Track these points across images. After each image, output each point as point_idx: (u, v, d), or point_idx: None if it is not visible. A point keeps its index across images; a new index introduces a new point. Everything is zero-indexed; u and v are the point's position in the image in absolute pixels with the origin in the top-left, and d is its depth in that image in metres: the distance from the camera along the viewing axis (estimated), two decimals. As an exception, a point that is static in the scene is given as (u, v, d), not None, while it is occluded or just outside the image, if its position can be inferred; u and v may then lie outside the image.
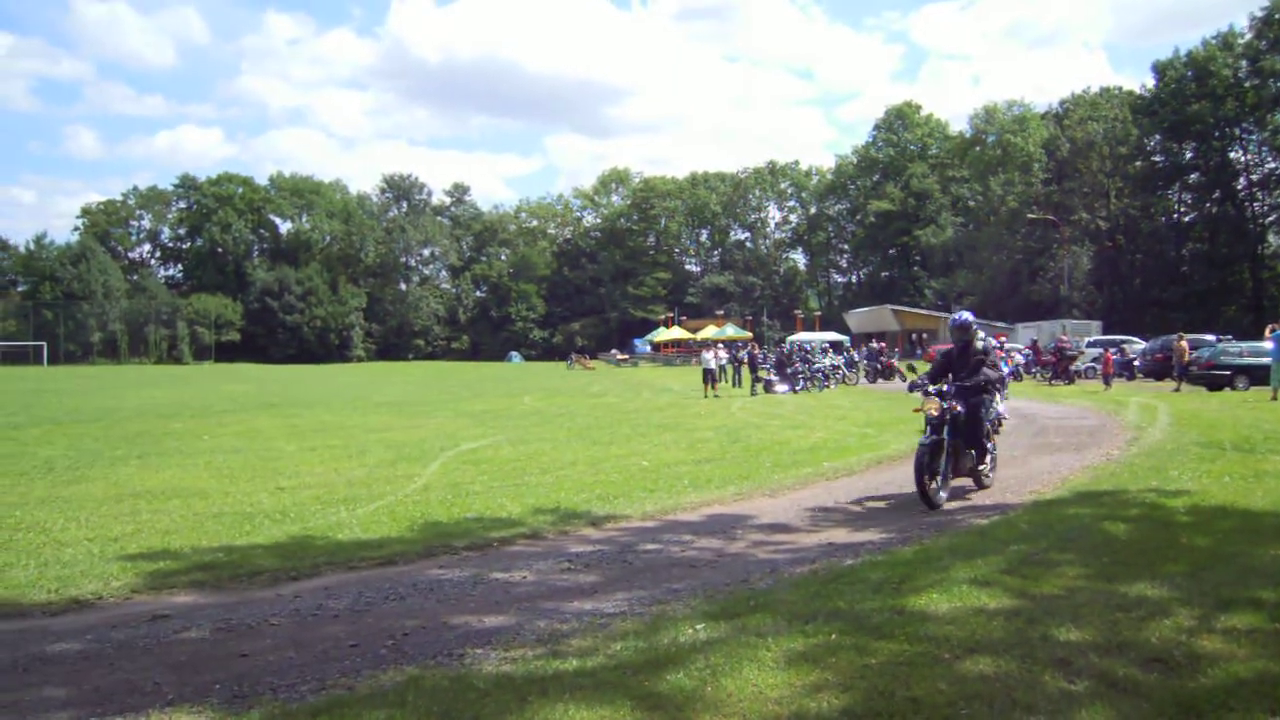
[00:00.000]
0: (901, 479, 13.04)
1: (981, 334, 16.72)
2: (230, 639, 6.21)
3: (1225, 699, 4.45)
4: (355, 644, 6.01)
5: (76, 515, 10.68)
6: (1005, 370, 15.30)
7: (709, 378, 34.58)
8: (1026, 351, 42.18)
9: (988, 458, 11.59)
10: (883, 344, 53.33)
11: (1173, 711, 4.34)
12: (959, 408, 10.97)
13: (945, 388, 11.24)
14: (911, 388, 11.54)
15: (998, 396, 12.18)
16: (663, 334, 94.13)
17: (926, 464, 10.58)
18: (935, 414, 10.75)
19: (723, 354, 44.23)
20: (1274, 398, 24.65)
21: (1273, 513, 9.20)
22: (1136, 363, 40.52)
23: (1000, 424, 12.64)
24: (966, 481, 11.87)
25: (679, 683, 4.83)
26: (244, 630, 6.41)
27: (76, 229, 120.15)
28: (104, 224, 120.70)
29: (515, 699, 4.72)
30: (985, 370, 11.30)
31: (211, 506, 11.25)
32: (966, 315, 11.96)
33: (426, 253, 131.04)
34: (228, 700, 5.04)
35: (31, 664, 5.76)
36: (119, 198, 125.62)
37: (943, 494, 10.74)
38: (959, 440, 11.02)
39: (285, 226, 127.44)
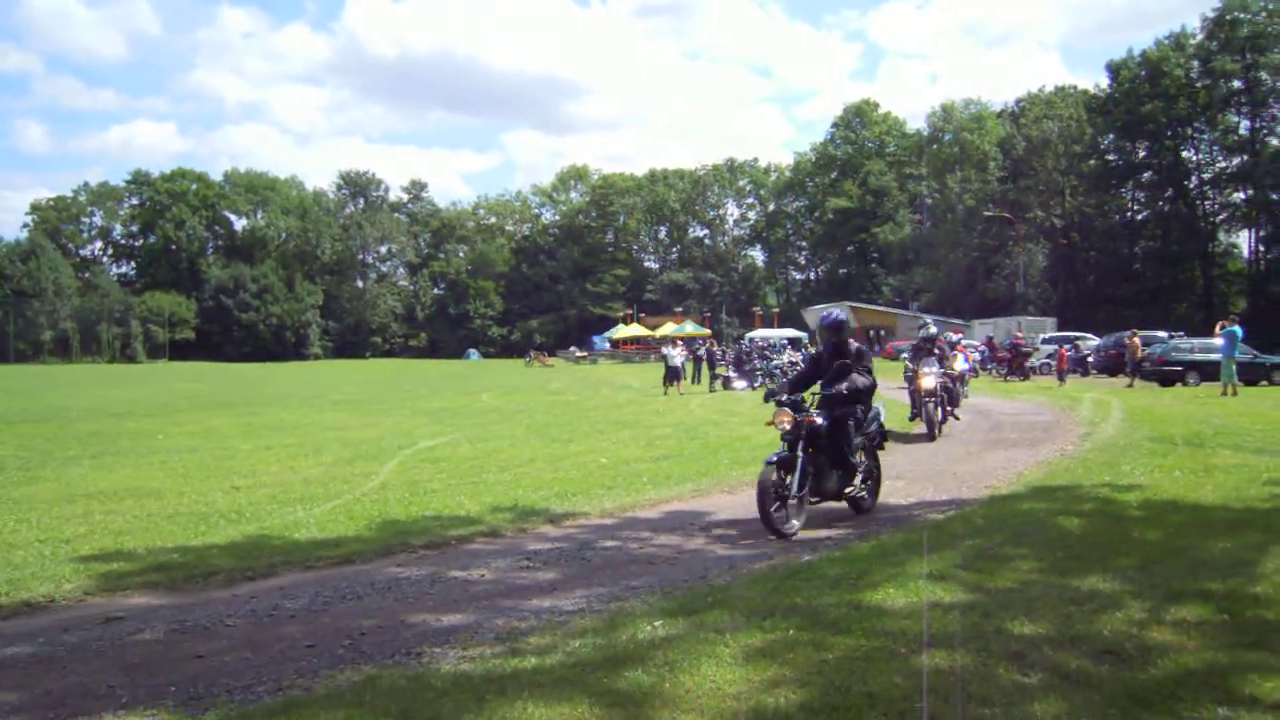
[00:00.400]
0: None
1: (934, 329, 17.84)
2: (185, 640, 6.15)
3: (1175, 690, 4.51)
4: (312, 644, 5.97)
5: (27, 516, 10.53)
6: (966, 366, 16.10)
7: (673, 375, 34.39)
8: (982, 348, 42.56)
9: (858, 478, 10.02)
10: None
11: (1124, 703, 4.40)
12: (819, 420, 9.55)
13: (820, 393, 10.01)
14: (767, 397, 10.14)
15: (879, 406, 10.72)
16: (621, 331, 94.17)
17: (772, 486, 9.05)
18: (788, 427, 9.46)
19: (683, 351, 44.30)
20: (1224, 393, 25.04)
21: (1222, 506, 9.34)
22: (1090, 359, 41.02)
23: (883, 442, 10.90)
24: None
25: (637, 679, 4.84)
26: (199, 631, 6.35)
27: (25, 225, 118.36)
28: (54, 220, 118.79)
29: (473, 698, 4.71)
30: (854, 377, 9.92)
31: (166, 507, 11.13)
32: (839, 313, 10.92)
33: (384, 250, 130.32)
34: (183, 702, 5.00)
35: (-19, 667, 5.68)
36: (70, 194, 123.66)
37: (795, 521, 9.19)
38: (822, 458, 9.64)
39: (240, 223, 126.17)
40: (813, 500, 9.72)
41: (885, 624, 5.57)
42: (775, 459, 9.26)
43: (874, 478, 10.46)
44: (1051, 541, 7.84)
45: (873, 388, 10.27)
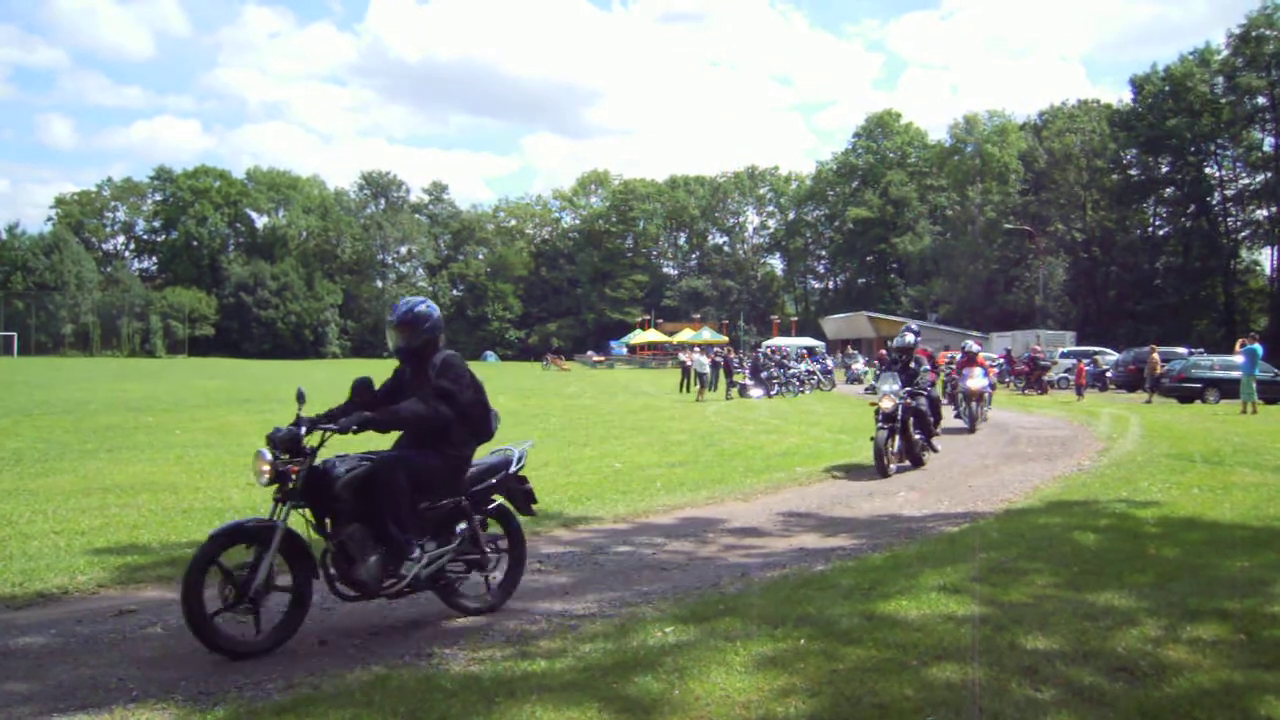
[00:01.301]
0: (874, 485, 13.09)
1: (912, 337, 15.62)
2: (197, 635, 6.15)
3: (1190, 709, 4.47)
4: (322, 642, 5.98)
5: (44, 508, 10.57)
6: (985, 383, 16.12)
7: (701, 382, 34.06)
8: (1000, 361, 42.38)
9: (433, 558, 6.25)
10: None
11: (1137, 721, 4.36)
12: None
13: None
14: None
15: (516, 452, 7.03)
16: (639, 336, 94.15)
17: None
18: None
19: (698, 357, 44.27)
20: (1244, 411, 24.88)
21: (1240, 525, 9.27)
22: (1109, 374, 40.80)
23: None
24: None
25: (647, 685, 4.83)
26: (211, 627, 6.34)
27: (50, 219, 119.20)
28: (78, 215, 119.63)
29: (482, 700, 4.70)
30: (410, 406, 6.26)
31: (181, 501, 11.16)
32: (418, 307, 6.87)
33: (404, 250, 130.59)
34: (193, 697, 5.00)
35: (-6, 657, 5.70)
36: (93, 188, 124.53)
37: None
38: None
39: (262, 221, 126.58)
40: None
41: (897, 635, 5.54)
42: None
43: (498, 564, 6.81)
44: (1067, 556, 7.79)
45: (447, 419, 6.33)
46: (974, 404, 20.97)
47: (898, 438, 14.46)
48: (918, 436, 14.87)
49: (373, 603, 6.42)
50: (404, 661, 5.51)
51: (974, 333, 65.63)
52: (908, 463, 14.67)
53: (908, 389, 14.73)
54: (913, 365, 15.38)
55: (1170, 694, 4.67)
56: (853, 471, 14.58)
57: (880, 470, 13.82)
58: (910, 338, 15.77)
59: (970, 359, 22.06)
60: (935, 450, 15.63)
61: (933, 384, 16.35)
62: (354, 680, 5.15)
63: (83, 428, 20.09)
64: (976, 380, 21.19)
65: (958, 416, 21.33)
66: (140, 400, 29.28)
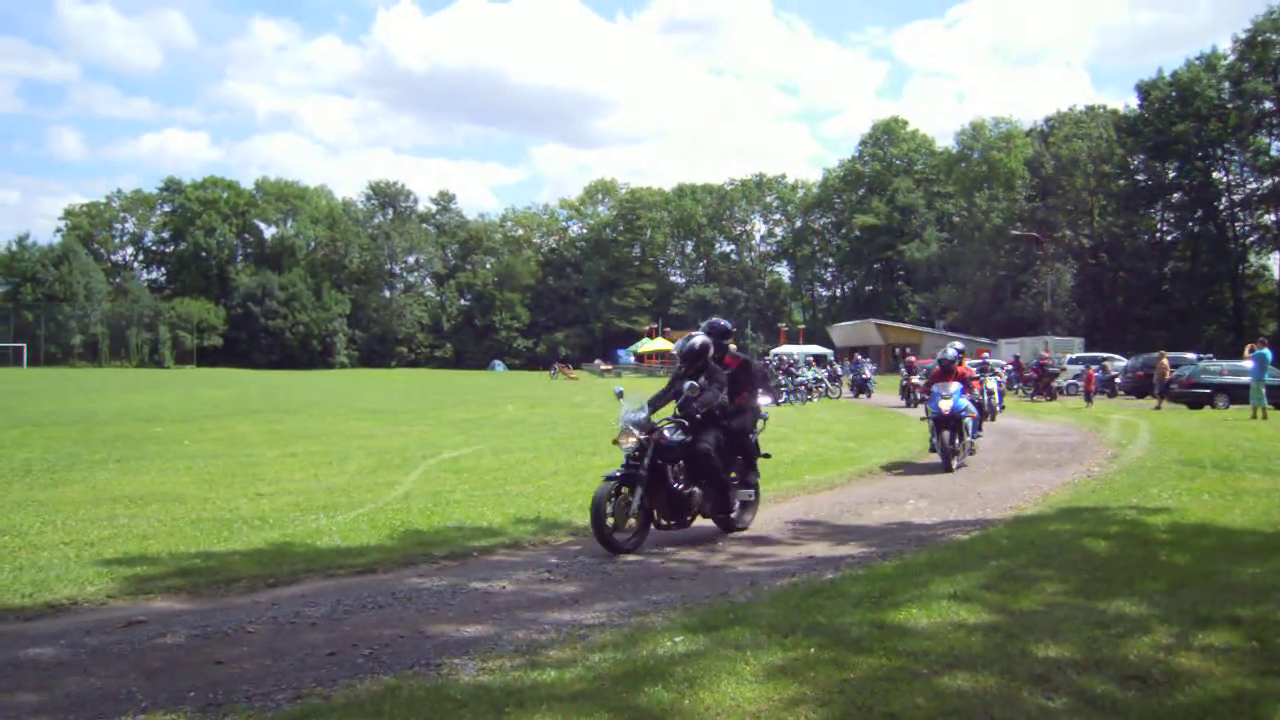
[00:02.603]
0: (883, 493, 13.07)
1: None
2: (206, 646, 6.16)
3: (1202, 717, 4.45)
4: (332, 652, 5.97)
5: (53, 519, 10.59)
6: (963, 402, 16.11)
7: None
8: (1009, 367, 42.30)
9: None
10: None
11: (1150, 729, 4.34)
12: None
13: None
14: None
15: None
16: (646, 345, 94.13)
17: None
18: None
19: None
20: (1254, 416, 24.80)
21: (1252, 531, 9.23)
22: (1118, 380, 40.73)
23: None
24: None
25: (657, 695, 4.81)
26: (220, 637, 6.35)
27: (59, 230, 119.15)
28: (87, 226, 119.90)
29: (492, 710, 4.69)
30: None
31: (190, 512, 11.17)
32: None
33: (411, 260, 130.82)
34: (202, 708, 5.00)
35: (4, 669, 5.70)
36: (103, 200, 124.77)
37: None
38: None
39: (270, 231, 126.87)
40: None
41: (908, 644, 5.52)
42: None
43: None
44: (1077, 563, 7.76)
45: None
46: (947, 434, 15.76)
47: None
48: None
49: (393, 611, 6.43)
50: (413, 671, 5.50)
51: (982, 339, 65.55)
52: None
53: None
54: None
55: (1182, 702, 4.64)
56: (862, 479, 14.57)
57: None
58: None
59: (946, 370, 17.00)
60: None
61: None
62: (363, 690, 5.14)
63: (92, 438, 20.14)
64: (948, 400, 15.97)
65: (933, 450, 16.48)
66: (149, 411, 29.34)
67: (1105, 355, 48.29)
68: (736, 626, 6.01)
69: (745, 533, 10.25)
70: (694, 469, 9.57)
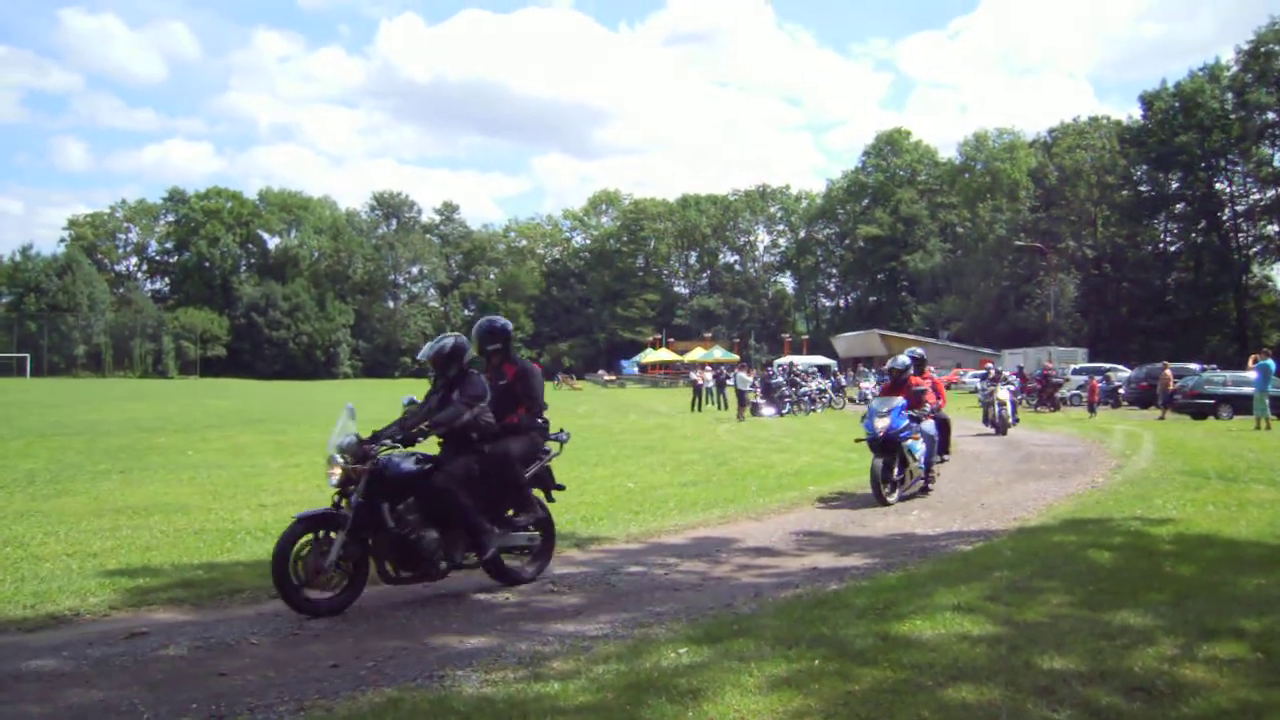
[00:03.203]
0: (889, 504, 13.03)
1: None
2: (208, 657, 6.15)
3: (1208, 730, 4.43)
4: (335, 664, 5.96)
5: (56, 530, 10.59)
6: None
7: (741, 400, 33.37)
8: (1012, 378, 42.24)
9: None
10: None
11: (1156, 742, 4.32)
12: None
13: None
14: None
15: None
16: (650, 355, 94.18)
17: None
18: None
19: (710, 376, 44.11)
20: (1258, 427, 24.76)
21: (1256, 542, 9.21)
22: (1122, 390, 40.68)
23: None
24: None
25: (661, 707, 4.80)
26: (223, 649, 6.35)
27: (63, 241, 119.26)
28: (90, 236, 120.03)
29: (495, 722, 4.68)
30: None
31: (193, 523, 11.16)
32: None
33: (415, 270, 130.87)
34: (204, 720, 5.00)
35: (6, 681, 5.69)
36: (106, 210, 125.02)
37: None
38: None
39: (273, 242, 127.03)
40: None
41: (912, 656, 5.51)
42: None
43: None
44: (1082, 575, 7.74)
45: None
46: (879, 461, 13.14)
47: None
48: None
49: (396, 623, 6.43)
50: (416, 683, 5.49)
51: (985, 350, 65.53)
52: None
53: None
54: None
55: (1187, 714, 4.63)
56: (865, 490, 14.54)
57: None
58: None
59: (896, 382, 14.28)
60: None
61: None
62: (366, 702, 5.13)
63: (95, 449, 20.15)
64: (884, 419, 13.32)
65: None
66: (152, 421, 29.36)
67: (1109, 366, 48.22)
68: (740, 638, 5.99)
69: (748, 544, 10.22)
70: (430, 507, 7.62)
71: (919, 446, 13.61)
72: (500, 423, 8.18)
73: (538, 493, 8.64)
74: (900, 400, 13.59)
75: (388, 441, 7.61)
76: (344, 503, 7.34)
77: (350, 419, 7.62)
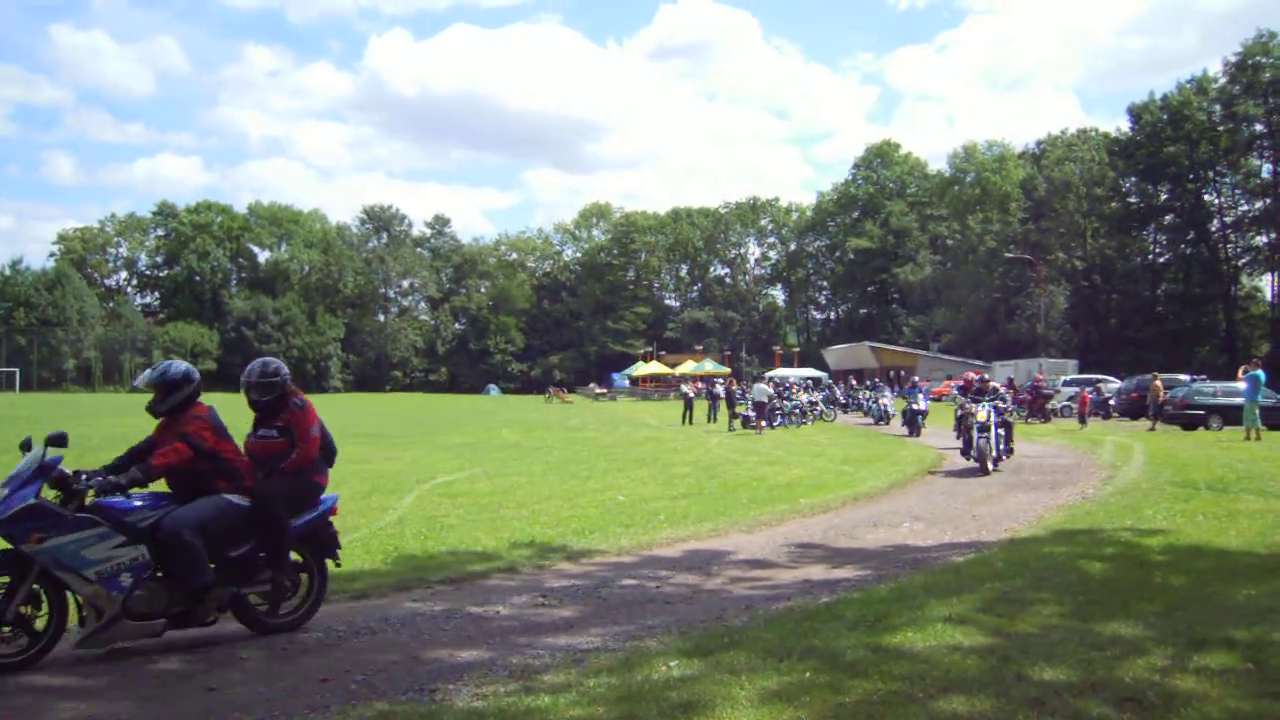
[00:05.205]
0: (879, 516, 13.06)
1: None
2: (199, 672, 6.14)
3: (1199, 740, 4.44)
4: (326, 678, 5.94)
5: (46, 545, 10.53)
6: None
7: (758, 411, 32.90)
8: (1003, 390, 42.28)
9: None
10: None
11: (1147, 752, 4.33)
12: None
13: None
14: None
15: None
16: (641, 368, 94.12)
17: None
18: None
19: (700, 388, 44.02)
20: (1247, 437, 24.81)
21: (1247, 552, 9.23)
22: (1112, 402, 40.74)
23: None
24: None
25: (653, 720, 4.80)
26: (213, 663, 6.33)
27: (52, 255, 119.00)
28: (80, 250, 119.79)
29: (487, 735, 4.67)
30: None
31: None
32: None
33: (406, 284, 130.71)
34: (195, 735, 4.98)
35: (-4, 697, 5.67)
36: (96, 224, 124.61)
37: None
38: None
39: (263, 256, 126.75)
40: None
41: (904, 667, 5.50)
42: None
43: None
44: (1073, 586, 7.75)
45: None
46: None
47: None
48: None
49: (387, 636, 6.41)
50: (408, 697, 5.48)
51: (976, 361, 65.67)
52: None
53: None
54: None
55: (1179, 724, 4.64)
56: (857, 503, 14.56)
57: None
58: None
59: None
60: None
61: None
62: (357, 716, 5.12)
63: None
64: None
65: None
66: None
67: (1099, 377, 48.34)
68: (732, 650, 5.99)
69: (740, 556, 10.21)
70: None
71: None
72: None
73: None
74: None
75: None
76: None
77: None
